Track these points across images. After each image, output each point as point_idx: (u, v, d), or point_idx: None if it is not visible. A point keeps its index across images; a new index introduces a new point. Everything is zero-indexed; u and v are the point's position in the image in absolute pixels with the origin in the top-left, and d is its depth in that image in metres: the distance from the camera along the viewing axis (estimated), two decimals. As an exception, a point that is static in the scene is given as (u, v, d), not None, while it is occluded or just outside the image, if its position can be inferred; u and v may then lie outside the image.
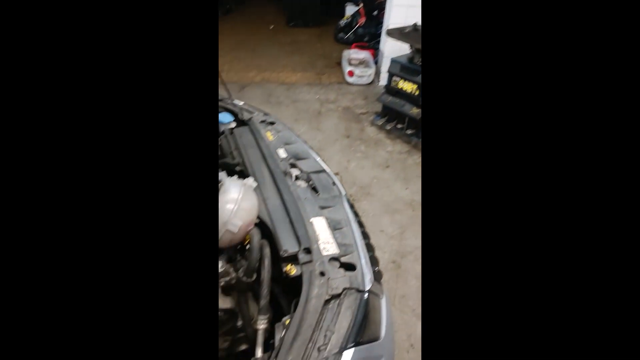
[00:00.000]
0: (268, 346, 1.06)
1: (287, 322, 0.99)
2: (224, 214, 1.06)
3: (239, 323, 1.16)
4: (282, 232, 1.20)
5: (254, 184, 1.11)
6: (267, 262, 1.09)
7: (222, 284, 1.13)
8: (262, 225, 1.19)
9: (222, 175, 1.13)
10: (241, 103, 1.97)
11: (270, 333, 1.10)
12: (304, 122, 3.80)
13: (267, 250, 1.11)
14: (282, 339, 0.93)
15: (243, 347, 1.18)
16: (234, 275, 1.14)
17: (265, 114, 1.94)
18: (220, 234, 1.06)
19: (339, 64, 4.90)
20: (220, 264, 1.11)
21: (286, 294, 1.25)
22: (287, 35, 6.01)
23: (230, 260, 1.17)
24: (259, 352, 1.05)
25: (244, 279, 1.03)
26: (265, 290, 1.08)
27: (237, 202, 1.07)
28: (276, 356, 0.90)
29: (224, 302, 1.12)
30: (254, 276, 1.05)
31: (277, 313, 1.13)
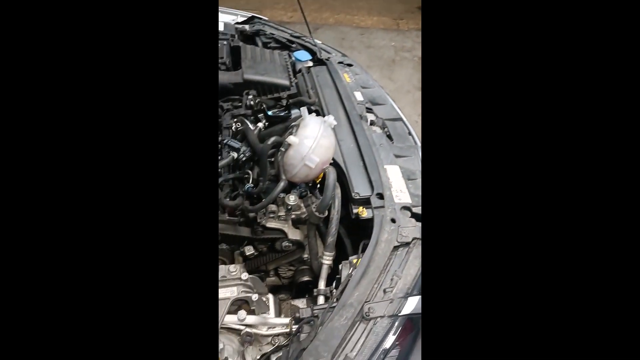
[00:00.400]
0: (330, 281, 1.11)
1: (355, 261, 1.01)
2: (302, 148, 1.06)
3: (305, 256, 1.21)
4: (355, 175, 1.19)
5: (334, 122, 1.09)
6: (337, 202, 1.10)
7: (292, 217, 1.17)
8: (335, 166, 1.19)
9: (303, 110, 1.12)
10: (319, 42, 1.90)
11: (333, 269, 1.14)
12: (376, 70, 3.63)
13: (338, 191, 1.12)
14: (349, 276, 0.96)
15: (305, 278, 1.24)
16: (304, 210, 1.17)
17: (344, 55, 1.87)
18: (297, 169, 1.08)
19: (420, 8, 4.52)
20: (292, 198, 1.14)
21: (350, 235, 1.27)
22: (366, -26, 5.60)
23: (301, 196, 1.20)
24: (322, 285, 1.10)
25: (317, 213, 1.05)
26: (333, 228, 1.10)
27: (316, 139, 1.06)
28: (342, 291, 0.93)
29: (294, 234, 1.16)
30: (326, 213, 1.07)
31: (339, 252, 1.16)
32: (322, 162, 1.07)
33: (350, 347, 0.82)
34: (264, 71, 1.54)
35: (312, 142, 1.06)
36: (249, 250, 1.19)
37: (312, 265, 1.17)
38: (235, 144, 1.13)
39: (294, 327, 0.94)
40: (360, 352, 0.82)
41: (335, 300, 0.92)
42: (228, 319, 0.95)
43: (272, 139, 1.07)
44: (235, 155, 1.11)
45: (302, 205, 1.18)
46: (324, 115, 1.38)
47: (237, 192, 1.14)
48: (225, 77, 1.47)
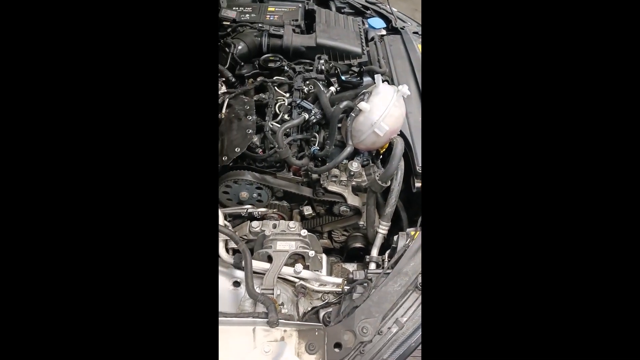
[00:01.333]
0: (382, 250, 1.12)
1: (413, 233, 1.01)
2: (372, 115, 1.06)
3: (361, 223, 1.23)
4: (420, 150, 1.17)
5: (407, 92, 1.07)
6: (400, 174, 1.09)
7: (353, 183, 1.18)
8: (401, 137, 1.18)
9: (377, 77, 1.10)
10: (395, 10, 1.83)
11: (386, 240, 1.15)
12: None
13: (401, 163, 1.11)
14: (406, 246, 0.96)
15: (357, 244, 1.27)
16: (365, 178, 1.18)
17: (420, 25, 1.79)
18: (365, 135, 1.08)
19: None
20: (355, 165, 1.15)
21: (407, 209, 1.27)
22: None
23: (363, 164, 1.20)
24: (374, 252, 1.12)
25: (379, 182, 1.05)
26: (393, 199, 1.10)
27: (387, 107, 1.05)
28: (398, 260, 0.94)
29: (353, 200, 1.18)
30: (388, 183, 1.07)
31: (394, 224, 1.17)
32: (390, 131, 1.06)
33: (402, 313, 0.84)
34: (337, 37, 1.52)
35: (383, 110, 1.05)
36: (308, 211, 1.24)
37: (366, 233, 1.19)
38: (308, 105, 1.15)
39: (346, 287, 0.97)
40: (411, 318, 0.83)
41: (390, 267, 0.93)
42: (285, 270, 1.01)
43: (344, 103, 1.07)
44: (306, 116, 1.13)
45: (363, 173, 1.19)
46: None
47: (303, 152, 1.17)
48: (298, 40, 1.48)
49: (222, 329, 0.80)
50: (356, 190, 1.20)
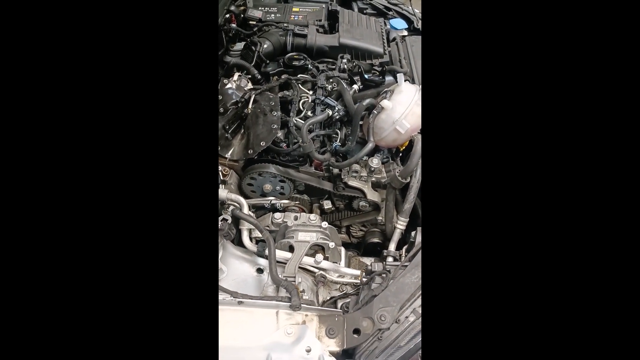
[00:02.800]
0: (400, 246, 1.15)
1: (431, 228, 1.03)
2: (394, 113, 1.09)
3: (379, 218, 1.26)
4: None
5: (429, 92, 1.09)
6: (419, 171, 1.12)
7: (373, 179, 1.22)
8: (422, 136, 1.20)
9: (399, 76, 1.13)
10: (417, 11, 1.86)
11: (403, 236, 1.18)
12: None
13: (421, 161, 1.13)
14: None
15: (375, 239, 1.29)
16: (385, 174, 1.22)
17: (441, 27, 1.81)
18: (386, 132, 1.11)
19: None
20: (375, 161, 1.18)
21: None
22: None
23: (383, 162, 1.24)
24: (392, 247, 1.14)
25: (399, 178, 1.08)
26: (412, 196, 1.12)
27: (409, 106, 1.08)
28: (416, 253, 0.97)
29: (372, 195, 1.21)
30: (408, 179, 1.10)
31: (411, 221, 1.19)
32: (411, 129, 1.09)
33: (419, 303, 0.87)
34: (360, 36, 1.56)
35: (405, 108, 1.08)
36: (327, 205, 1.27)
37: (384, 229, 1.22)
38: (332, 102, 1.19)
39: (365, 279, 1.01)
40: (428, 309, 0.86)
41: (408, 260, 0.96)
42: (305, 260, 1.05)
43: (367, 100, 1.11)
44: (330, 112, 1.17)
45: (383, 170, 1.23)
46: (415, 86, 1.38)
47: (325, 148, 1.21)
48: (322, 39, 1.52)
49: (247, 310, 0.84)
50: (376, 186, 1.23)
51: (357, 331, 0.83)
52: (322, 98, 1.21)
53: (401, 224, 1.15)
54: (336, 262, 1.10)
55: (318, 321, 0.85)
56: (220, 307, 0.83)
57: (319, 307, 0.87)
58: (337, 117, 1.18)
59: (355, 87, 1.26)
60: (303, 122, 1.15)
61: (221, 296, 0.83)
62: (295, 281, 0.98)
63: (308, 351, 0.79)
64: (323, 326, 0.84)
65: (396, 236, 1.15)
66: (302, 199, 1.26)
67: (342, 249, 1.18)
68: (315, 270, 1.06)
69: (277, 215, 1.15)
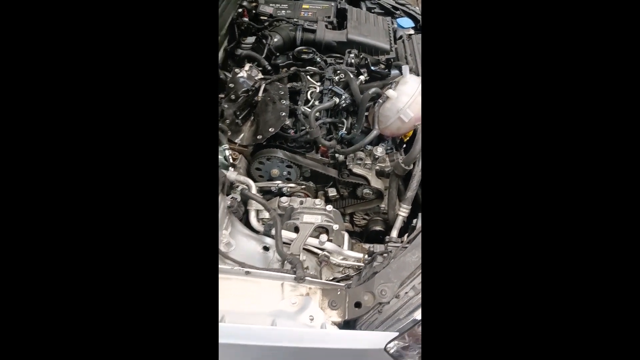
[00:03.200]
0: (402, 233, 1.18)
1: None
2: (398, 102, 1.13)
3: (382, 206, 1.30)
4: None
5: (433, 83, 1.14)
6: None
7: (377, 168, 1.26)
8: (425, 127, 1.24)
9: (404, 68, 1.18)
10: (424, 11, 1.91)
11: (405, 223, 1.21)
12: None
13: None
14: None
15: (377, 227, 1.33)
16: (389, 163, 1.26)
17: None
18: (390, 121, 1.15)
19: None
20: (380, 149, 1.23)
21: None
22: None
23: (387, 152, 1.28)
24: (394, 234, 1.18)
25: (402, 165, 1.12)
26: (414, 184, 1.16)
27: (413, 95, 1.12)
28: (417, 235, 1.01)
29: (376, 183, 1.25)
30: (411, 166, 1.14)
31: (413, 209, 1.23)
32: (415, 118, 1.13)
33: (418, 281, 0.90)
34: (367, 33, 1.61)
35: (409, 98, 1.12)
36: (332, 192, 1.31)
37: (387, 217, 1.26)
38: (339, 90, 1.24)
39: (367, 261, 1.04)
40: (427, 286, 0.90)
41: (409, 241, 1.00)
42: (310, 241, 1.08)
43: (373, 89, 1.15)
44: (337, 100, 1.21)
45: (387, 159, 1.27)
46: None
47: (331, 135, 1.25)
48: (330, 35, 1.57)
49: (253, 280, 0.88)
50: (379, 175, 1.27)
51: (358, 304, 0.87)
52: (330, 87, 1.25)
53: (403, 211, 1.19)
54: (340, 246, 1.14)
55: (321, 294, 0.89)
56: (227, 276, 0.87)
57: (322, 281, 0.90)
58: (344, 105, 1.22)
59: (362, 78, 1.30)
60: (310, 110, 1.20)
61: (229, 266, 0.87)
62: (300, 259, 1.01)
63: (311, 319, 0.82)
64: (326, 299, 0.88)
65: (398, 223, 1.19)
66: (307, 186, 1.30)
67: (346, 234, 1.21)
68: (319, 251, 1.10)
69: (284, 199, 1.19)
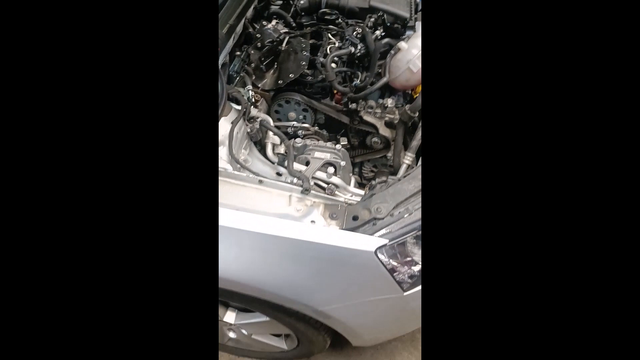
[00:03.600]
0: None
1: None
2: (409, 54, 1.23)
3: (389, 154, 1.40)
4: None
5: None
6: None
7: (386, 118, 1.36)
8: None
9: (417, 24, 1.27)
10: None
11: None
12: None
13: None
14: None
15: (383, 178, 1.43)
16: (397, 116, 1.35)
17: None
18: (400, 71, 1.25)
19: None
20: (390, 101, 1.32)
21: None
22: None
23: (396, 106, 1.37)
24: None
25: (409, 112, 1.22)
26: (419, 134, 1.26)
27: (421, 49, 1.21)
28: (415, 169, 1.10)
29: (384, 131, 1.35)
30: (417, 114, 1.23)
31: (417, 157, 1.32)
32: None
33: (413, 204, 1.00)
34: (389, 2, 1.71)
35: (419, 50, 1.21)
36: (343, 141, 1.42)
37: (393, 162, 1.36)
38: (355, 40, 1.35)
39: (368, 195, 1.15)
40: (420, 210, 0.99)
41: (406, 174, 1.09)
42: (318, 175, 1.20)
43: (386, 39, 1.25)
44: (352, 49, 1.32)
45: (396, 111, 1.36)
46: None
47: (346, 84, 1.36)
48: (354, 1, 1.68)
49: (265, 189, 1.01)
50: (388, 125, 1.37)
51: (355, 217, 0.97)
52: (347, 37, 1.36)
53: (408, 159, 1.28)
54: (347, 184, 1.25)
55: (323, 207, 1.00)
56: (243, 183, 0.99)
57: (326, 196, 1.02)
58: (359, 54, 1.33)
59: (378, 33, 1.40)
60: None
61: (244, 173, 1.00)
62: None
63: (313, 222, 0.94)
64: (327, 211, 0.99)
65: (402, 170, 1.28)
66: (321, 133, 1.41)
67: (353, 177, 1.32)
68: (326, 185, 1.21)
69: (298, 140, 1.31)
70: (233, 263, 0.89)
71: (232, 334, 1.45)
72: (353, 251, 0.89)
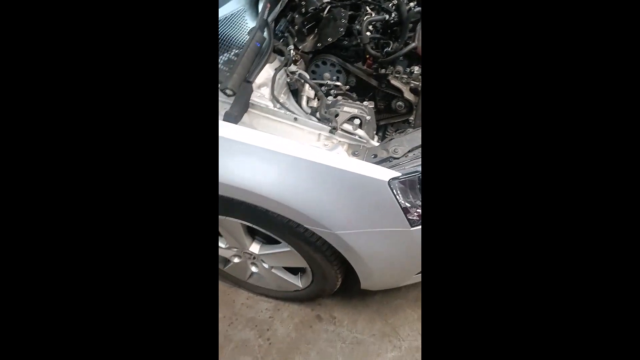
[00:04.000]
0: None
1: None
2: (438, 24, 1.35)
3: (411, 118, 1.53)
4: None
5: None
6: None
7: (411, 85, 1.48)
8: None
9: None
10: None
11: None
12: None
13: None
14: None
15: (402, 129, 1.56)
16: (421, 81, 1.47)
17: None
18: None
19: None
20: (417, 68, 1.45)
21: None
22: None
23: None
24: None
25: None
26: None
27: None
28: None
29: (409, 95, 1.48)
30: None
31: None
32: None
33: (426, 150, 1.13)
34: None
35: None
36: (371, 104, 1.56)
37: (414, 125, 1.48)
38: (389, 8, 1.48)
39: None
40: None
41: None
42: (345, 127, 1.34)
43: (418, 9, 1.38)
44: (386, 16, 1.45)
45: (421, 78, 1.48)
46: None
47: (378, 50, 1.50)
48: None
49: (298, 127, 1.16)
50: (413, 92, 1.50)
51: (375, 156, 1.12)
52: (384, 5, 1.49)
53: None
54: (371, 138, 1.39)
55: (347, 146, 1.15)
56: (279, 119, 1.15)
57: (351, 136, 1.16)
58: (392, 22, 1.46)
59: (412, 4, 1.52)
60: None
61: (283, 110, 1.16)
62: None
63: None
64: (350, 149, 1.14)
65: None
66: (350, 95, 1.56)
67: (376, 137, 1.46)
68: (351, 137, 1.35)
69: (330, 98, 1.46)
70: (268, 181, 1.05)
71: (254, 268, 1.62)
72: (370, 179, 1.03)
